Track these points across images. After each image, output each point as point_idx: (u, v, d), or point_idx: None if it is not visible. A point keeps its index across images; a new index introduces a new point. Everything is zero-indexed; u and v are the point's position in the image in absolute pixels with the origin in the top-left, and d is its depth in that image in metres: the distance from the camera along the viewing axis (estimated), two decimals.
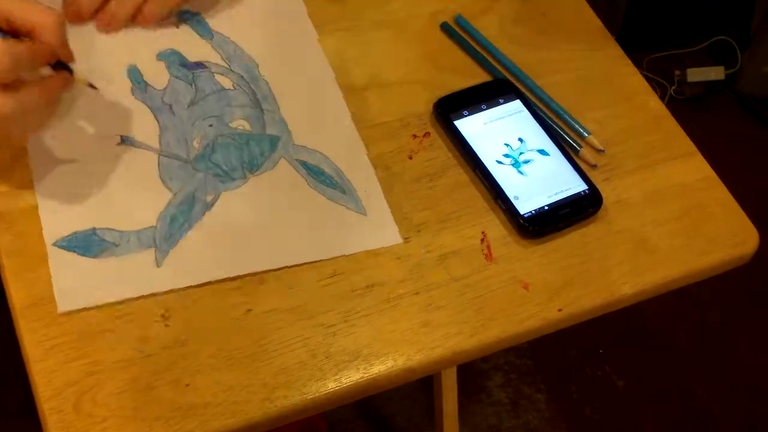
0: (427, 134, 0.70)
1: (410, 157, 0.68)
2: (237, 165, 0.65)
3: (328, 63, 0.73)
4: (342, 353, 0.58)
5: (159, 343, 0.57)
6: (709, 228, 0.67)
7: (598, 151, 0.71)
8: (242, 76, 0.70)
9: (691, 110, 1.82)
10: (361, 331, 0.59)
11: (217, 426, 0.54)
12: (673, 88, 1.83)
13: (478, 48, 0.76)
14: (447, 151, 0.69)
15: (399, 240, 0.64)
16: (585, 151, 0.70)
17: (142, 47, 0.71)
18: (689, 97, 1.83)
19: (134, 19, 0.70)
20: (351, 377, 0.57)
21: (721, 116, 1.84)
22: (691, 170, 0.71)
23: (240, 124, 0.67)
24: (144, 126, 0.66)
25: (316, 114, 0.70)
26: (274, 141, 0.67)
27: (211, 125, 0.67)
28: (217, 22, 0.73)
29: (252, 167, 0.65)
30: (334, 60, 0.73)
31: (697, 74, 1.81)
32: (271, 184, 0.65)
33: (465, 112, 0.70)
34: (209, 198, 0.63)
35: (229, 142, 0.66)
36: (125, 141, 0.65)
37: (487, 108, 0.70)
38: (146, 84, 0.68)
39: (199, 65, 0.70)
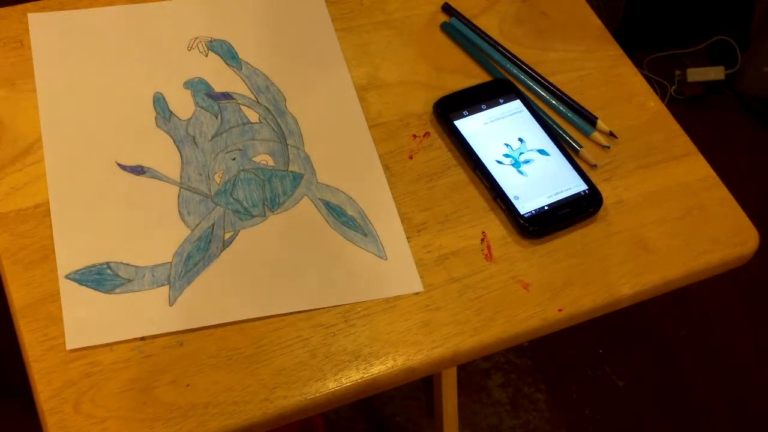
0: (427, 134, 0.70)
1: (410, 157, 0.68)
2: (258, 202, 0.64)
3: (358, 101, 0.70)
4: (342, 353, 0.58)
5: (158, 344, 0.57)
6: (709, 228, 0.67)
7: (604, 145, 0.70)
8: (269, 110, 0.68)
9: (691, 110, 1.82)
10: (361, 332, 0.59)
11: (217, 426, 0.54)
12: (673, 88, 1.83)
13: (477, 48, 0.76)
14: (447, 151, 0.69)
15: (419, 288, 0.61)
16: (585, 151, 0.70)
17: (170, 74, 0.69)
18: (689, 97, 1.83)
19: None
20: (351, 377, 0.57)
21: (721, 116, 1.84)
22: (691, 170, 0.70)
23: (263, 159, 0.66)
24: (166, 158, 0.65)
25: (343, 152, 0.67)
26: (297, 178, 0.65)
27: (234, 159, 0.65)
28: (246, 51, 0.72)
29: (273, 205, 0.64)
30: None
31: (697, 74, 1.81)
32: (290, 223, 0.63)
33: (465, 112, 0.70)
34: (227, 236, 0.62)
35: (251, 178, 0.65)
36: (146, 173, 0.64)
37: (487, 108, 0.70)
38: (171, 113, 0.67)
39: (226, 96, 0.68)
